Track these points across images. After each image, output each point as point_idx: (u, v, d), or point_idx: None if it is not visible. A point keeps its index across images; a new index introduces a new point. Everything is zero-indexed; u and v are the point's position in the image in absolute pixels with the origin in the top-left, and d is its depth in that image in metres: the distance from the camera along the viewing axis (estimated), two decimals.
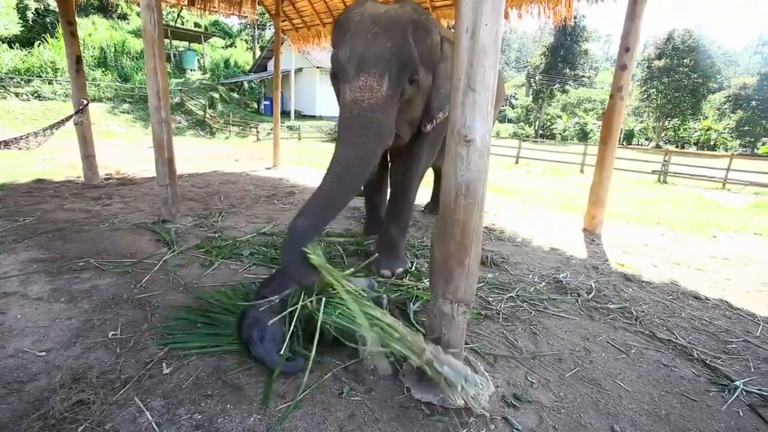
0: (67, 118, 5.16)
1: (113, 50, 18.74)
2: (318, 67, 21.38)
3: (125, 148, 10.11)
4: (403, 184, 2.97)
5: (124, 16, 23.96)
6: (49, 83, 15.11)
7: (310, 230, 1.91)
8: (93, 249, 3.19)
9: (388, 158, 3.20)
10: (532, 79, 36.35)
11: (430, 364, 1.61)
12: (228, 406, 1.64)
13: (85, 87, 5.39)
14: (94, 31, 19.27)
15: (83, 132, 5.30)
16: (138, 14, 23.53)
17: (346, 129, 1.96)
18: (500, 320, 2.48)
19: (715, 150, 28.44)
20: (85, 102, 5.18)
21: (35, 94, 14.43)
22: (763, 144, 27.67)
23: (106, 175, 6.18)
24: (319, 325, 1.77)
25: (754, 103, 28.15)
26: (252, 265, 3.06)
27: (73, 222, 3.82)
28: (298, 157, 10.55)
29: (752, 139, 28.31)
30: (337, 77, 2.09)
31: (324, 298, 1.85)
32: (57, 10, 5.12)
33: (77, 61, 5.12)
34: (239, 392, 1.72)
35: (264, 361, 1.82)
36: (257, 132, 17.26)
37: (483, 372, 1.90)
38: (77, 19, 5.45)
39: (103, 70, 17.90)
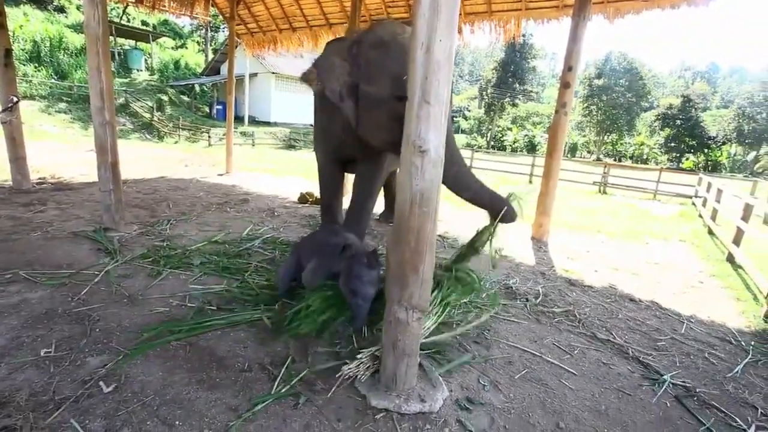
0: None
1: (48, 44, 17.35)
2: (273, 73, 20.94)
3: (61, 150, 9.37)
4: (366, 191, 3.03)
5: (61, 9, 22.31)
6: None
7: None
8: (22, 259, 2.93)
9: (357, 163, 3.20)
10: (484, 92, 37.81)
11: None
12: (177, 422, 1.57)
13: (15, 83, 4.96)
14: (26, 23, 17.74)
15: (12, 132, 4.87)
16: (78, 7, 22.07)
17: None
18: (454, 326, 2.55)
19: (647, 163, 30.97)
20: (15, 99, 4.77)
21: None
22: (687, 159, 30.49)
23: (39, 179, 5.70)
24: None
25: (678, 122, 31.01)
26: (203, 274, 2.94)
27: None
28: (251, 164, 10.27)
29: (678, 155, 31.11)
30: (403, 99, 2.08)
31: None
32: None
33: (6, 55, 4.71)
34: (189, 408, 1.65)
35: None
36: (209, 137, 16.63)
37: (437, 377, 1.94)
38: (6, 9, 5.03)
39: (36, 65, 16.53)
